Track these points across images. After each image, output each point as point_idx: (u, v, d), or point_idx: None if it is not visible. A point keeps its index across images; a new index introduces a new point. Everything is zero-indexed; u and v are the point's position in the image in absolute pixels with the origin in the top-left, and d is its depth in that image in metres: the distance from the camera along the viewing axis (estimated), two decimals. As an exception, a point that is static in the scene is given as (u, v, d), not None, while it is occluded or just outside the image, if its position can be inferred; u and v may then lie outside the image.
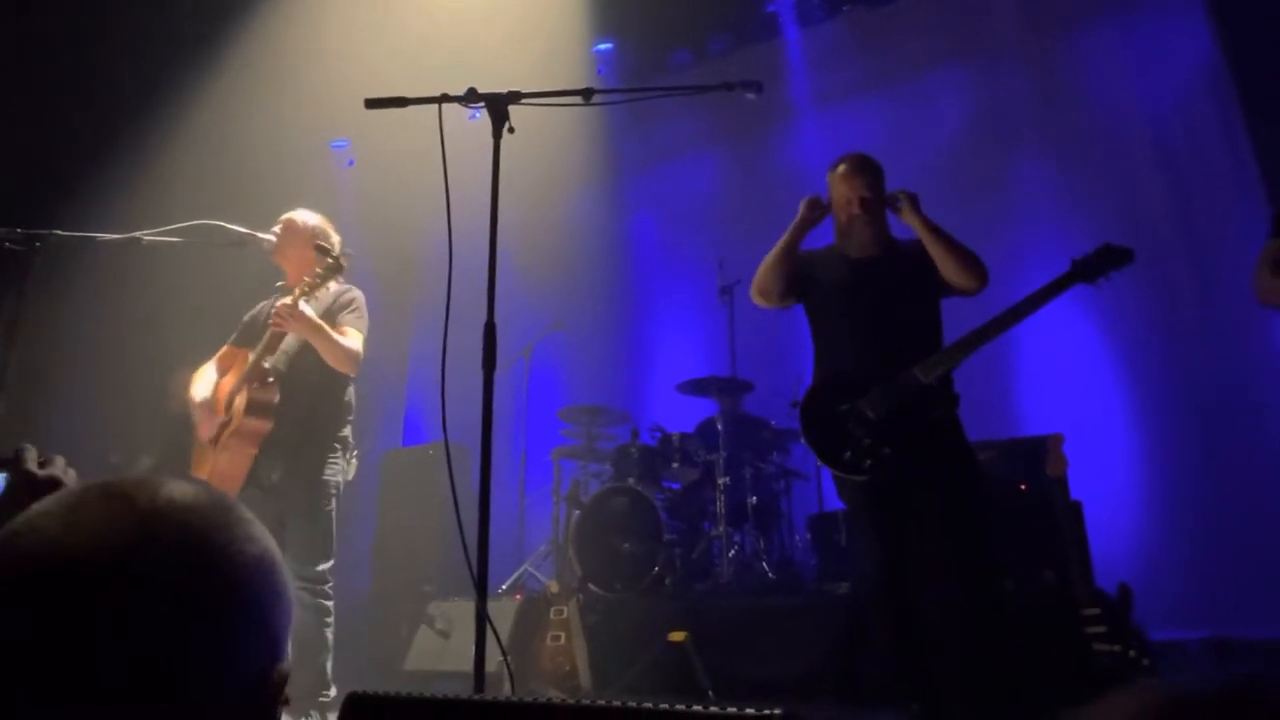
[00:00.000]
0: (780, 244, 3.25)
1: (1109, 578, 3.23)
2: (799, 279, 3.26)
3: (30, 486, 0.96)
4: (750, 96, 2.66)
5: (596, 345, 7.10)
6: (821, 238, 3.35)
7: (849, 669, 3.79)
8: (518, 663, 4.24)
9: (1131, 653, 2.98)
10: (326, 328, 3.29)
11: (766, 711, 0.87)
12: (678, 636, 3.98)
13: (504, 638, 4.17)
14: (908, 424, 2.93)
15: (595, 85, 2.59)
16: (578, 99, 2.47)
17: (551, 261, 7.13)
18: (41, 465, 1.00)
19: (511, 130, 2.40)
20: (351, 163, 7.66)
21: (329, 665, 3.28)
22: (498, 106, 2.38)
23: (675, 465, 5.27)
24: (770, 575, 4.78)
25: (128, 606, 0.62)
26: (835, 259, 3.26)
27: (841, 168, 3.24)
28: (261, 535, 0.72)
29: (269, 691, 0.69)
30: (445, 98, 2.40)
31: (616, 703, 0.99)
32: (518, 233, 6.19)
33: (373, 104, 2.46)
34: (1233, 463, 4.59)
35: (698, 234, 6.94)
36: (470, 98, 2.38)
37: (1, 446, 1.01)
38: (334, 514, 3.38)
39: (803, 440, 3.19)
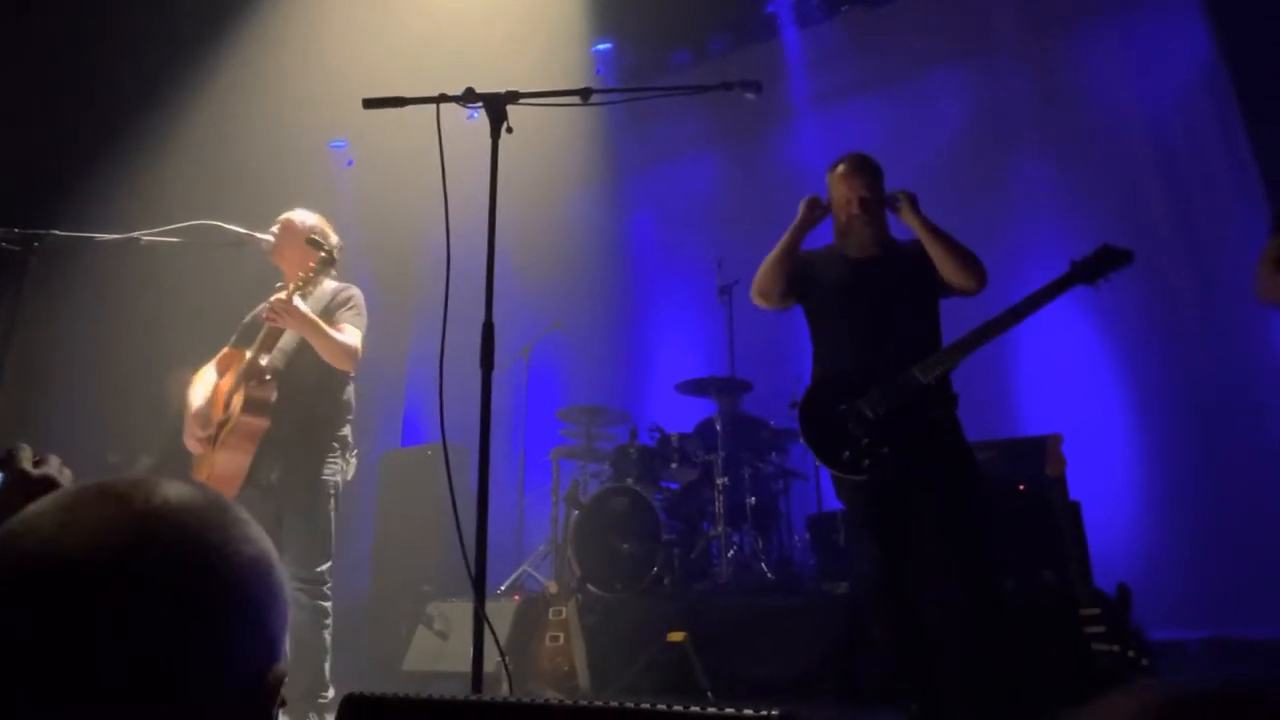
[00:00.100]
0: (780, 245, 3.25)
1: (1108, 578, 3.23)
2: (799, 279, 3.26)
3: (24, 486, 0.96)
4: (749, 96, 2.66)
5: (595, 345, 7.10)
6: (821, 238, 3.35)
7: (848, 669, 3.79)
8: (516, 663, 4.24)
9: (1131, 653, 2.98)
10: (321, 323, 3.27)
11: (765, 712, 0.87)
12: (676, 637, 3.98)
13: (503, 638, 4.17)
14: (907, 424, 2.92)
15: (594, 85, 2.58)
16: (576, 99, 2.47)
17: (550, 261, 7.13)
18: (36, 464, 1.00)
19: (510, 130, 2.39)
20: (350, 163, 7.66)
21: (327, 667, 3.27)
22: (496, 106, 2.37)
23: (674, 465, 5.27)
24: (769, 575, 4.79)
25: (125, 607, 0.62)
26: (835, 259, 3.26)
27: (841, 168, 3.24)
28: (258, 536, 0.72)
29: (266, 692, 0.69)
30: (443, 98, 2.39)
31: (615, 703, 0.99)
32: (517, 233, 6.19)
33: (371, 104, 2.46)
34: (1233, 463, 4.59)
35: (697, 234, 6.94)
36: (468, 98, 2.38)
37: (-1, 447, 1.01)
38: (333, 514, 3.35)
39: (801, 440, 3.19)
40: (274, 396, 3.24)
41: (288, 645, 0.73)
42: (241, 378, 3.26)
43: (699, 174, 7.45)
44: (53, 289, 4.61)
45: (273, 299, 3.23)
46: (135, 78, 5.77)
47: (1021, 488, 3.85)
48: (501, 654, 2.32)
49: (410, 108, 2.44)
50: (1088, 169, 5.58)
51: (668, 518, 4.83)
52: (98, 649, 0.60)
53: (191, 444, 3.33)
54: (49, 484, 0.97)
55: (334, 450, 3.41)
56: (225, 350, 3.52)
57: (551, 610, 4.32)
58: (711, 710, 0.90)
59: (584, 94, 2.47)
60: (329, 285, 3.52)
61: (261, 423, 3.21)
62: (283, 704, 0.73)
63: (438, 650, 4.75)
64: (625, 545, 4.84)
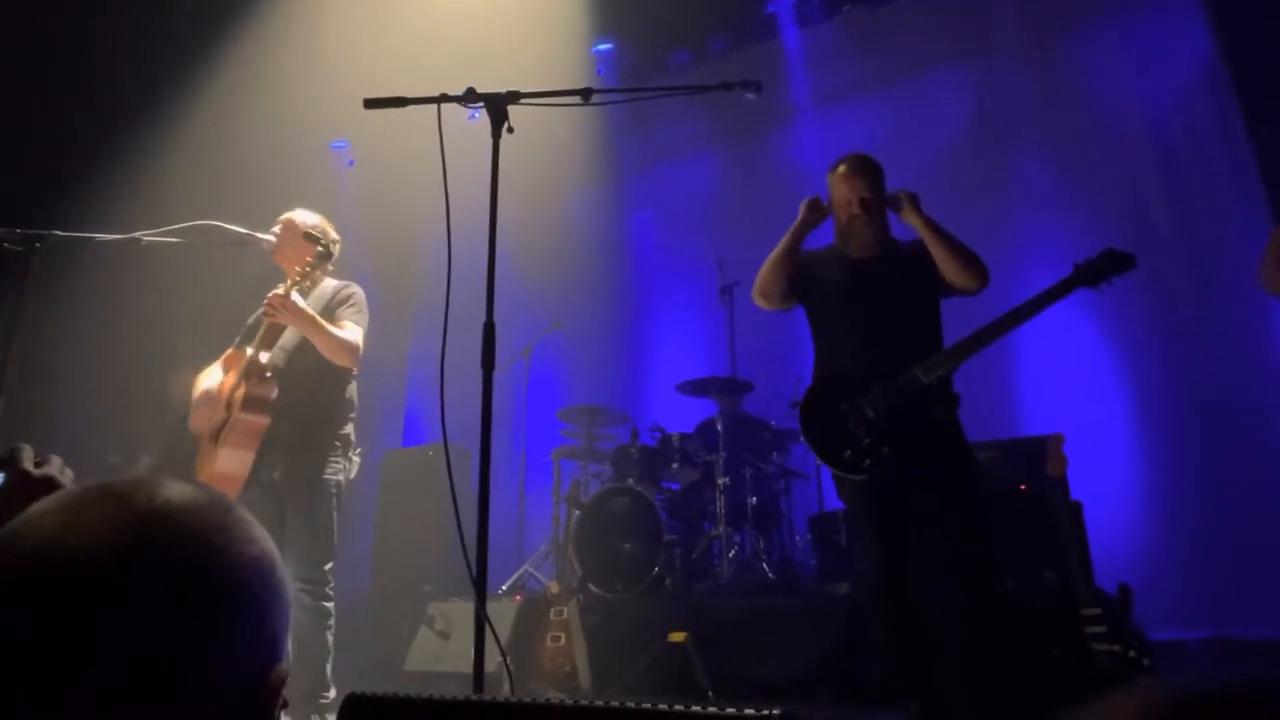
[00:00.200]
0: (781, 245, 3.25)
1: (1109, 578, 3.23)
2: (800, 280, 3.26)
3: (26, 486, 0.96)
4: (750, 96, 2.66)
5: (596, 345, 7.11)
6: (822, 238, 3.35)
7: (849, 669, 3.79)
8: (518, 663, 4.24)
9: (1131, 653, 2.98)
10: (319, 319, 3.25)
11: (765, 712, 0.87)
12: (678, 637, 3.98)
13: (504, 638, 4.18)
14: (908, 423, 2.92)
15: (595, 85, 2.58)
16: (577, 99, 2.47)
17: (551, 262, 7.14)
18: (38, 465, 1.00)
19: (511, 130, 2.39)
20: (351, 163, 7.66)
21: (329, 667, 3.26)
22: (497, 106, 2.37)
23: (675, 465, 5.27)
24: (770, 575, 4.79)
25: (126, 606, 0.62)
26: (836, 259, 3.26)
27: (841, 168, 3.24)
28: (260, 536, 0.72)
29: (267, 693, 0.69)
30: (444, 98, 2.39)
31: (616, 703, 0.99)
32: (517, 233, 6.19)
33: (372, 104, 2.46)
34: (1233, 463, 4.59)
35: (697, 234, 6.95)
36: (469, 98, 2.38)
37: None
38: (335, 514, 3.35)
39: (802, 440, 3.19)
40: (274, 394, 3.23)
41: (290, 646, 0.73)
42: (242, 376, 3.25)
43: (700, 174, 7.45)
44: (54, 289, 4.61)
45: (270, 294, 3.22)
46: (136, 78, 5.76)
47: (1023, 488, 3.85)
48: (503, 654, 2.32)
49: (411, 108, 2.44)
50: (1088, 169, 5.58)
51: (669, 518, 4.83)
52: (98, 649, 0.60)
53: (198, 422, 3.32)
54: (51, 484, 0.97)
55: (336, 449, 3.39)
56: (230, 351, 3.51)
57: (553, 610, 4.32)
58: (712, 710, 0.90)
59: (585, 94, 2.47)
60: (330, 283, 3.52)
61: (262, 420, 3.19)
62: (285, 705, 0.73)
63: (439, 650, 4.75)
64: (626, 545, 4.84)
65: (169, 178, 5.54)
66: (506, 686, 2.72)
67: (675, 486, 5.34)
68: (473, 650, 2.04)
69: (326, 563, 3.29)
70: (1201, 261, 5.04)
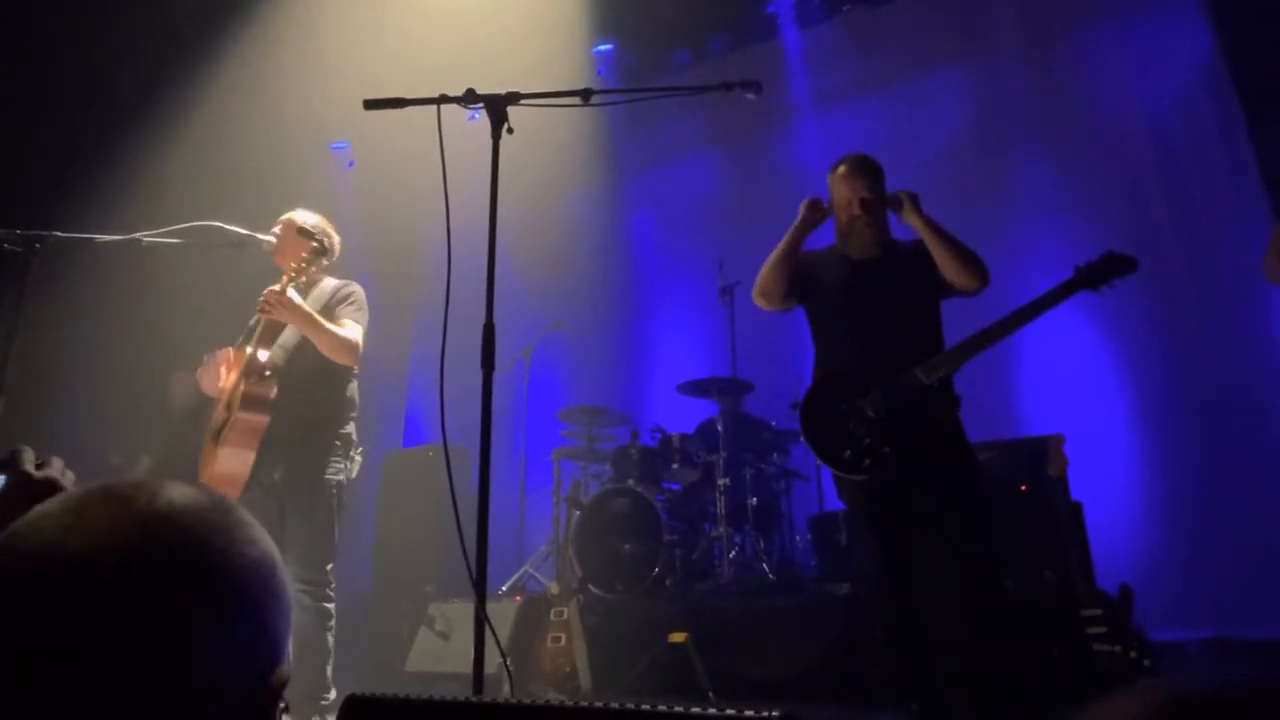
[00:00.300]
0: (781, 246, 3.25)
1: (1110, 578, 3.23)
2: (800, 280, 3.26)
3: (27, 488, 0.96)
4: (749, 97, 2.67)
5: (596, 346, 7.11)
6: (822, 238, 3.35)
7: (849, 669, 3.79)
8: (518, 664, 4.24)
9: (1132, 653, 2.98)
10: (316, 315, 3.24)
11: (766, 713, 0.87)
12: (678, 637, 3.98)
13: (504, 639, 4.18)
14: (908, 424, 2.93)
15: (595, 86, 2.59)
16: (577, 100, 2.47)
17: (551, 262, 7.14)
18: (39, 467, 1.00)
19: (510, 131, 2.40)
20: (351, 164, 7.66)
21: (329, 669, 3.25)
22: (496, 107, 2.38)
23: (675, 466, 5.27)
24: (770, 576, 4.79)
25: (127, 608, 0.62)
26: (836, 260, 3.26)
27: (842, 169, 3.24)
28: (261, 538, 0.72)
29: (268, 694, 0.69)
30: (444, 98, 2.40)
31: (616, 704, 0.99)
32: (518, 233, 6.20)
33: (371, 105, 2.46)
34: (1233, 463, 4.60)
35: (698, 234, 6.95)
36: (469, 98, 2.38)
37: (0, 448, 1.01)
38: (336, 514, 3.34)
39: (803, 440, 3.19)
40: (273, 393, 3.21)
41: (291, 648, 0.73)
42: (241, 374, 3.24)
43: (700, 174, 7.45)
44: (54, 290, 4.61)
45: (266, 290, 3.21)
46: (136, 78, 5.77)
47: (1023, 488, 3.85)
48: (503, 655, 2.32)
49: (411, 109, 2.44)
50: (1088, 169, 5.59)
51: (669, 518, 4.83)
52: (99, 649, 0.60)
53: (208, 384, 3.33)
54: (52, 486, 0.97)
55: (337, 449, 3.38)
56: (233, 352, 3.51)
57: (553, 611, 4.32)
58: (712, 711, 0.90)
59: (584, 95, 2.47)
60: (330, 282, 3.51)
61: (261, 419, 3.17)
62: (286, 709, 0.73)
63: (439, 651, 4.75)
64: (627, 546, 4.84)
65: (169, 178, 5.54)
66: (507, 687, 2.72)
67: (675, 487, 5.34)
68: (473, 651, 2.04)
69: (327, 563, 3.28)
70: (1201, 261, 5.04)
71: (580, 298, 7.07)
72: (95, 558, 0.63)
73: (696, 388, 5.42)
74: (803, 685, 3.87)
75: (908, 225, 3.19)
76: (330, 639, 3.26)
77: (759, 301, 3.33)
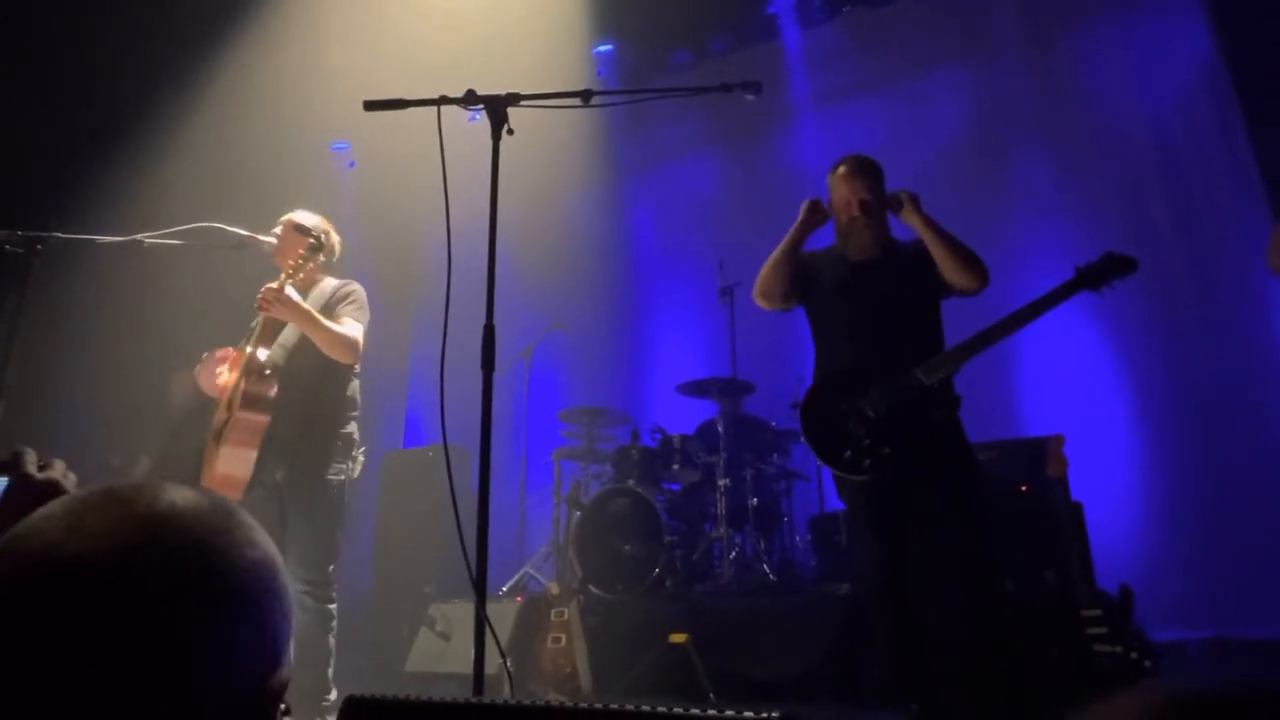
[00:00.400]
0: (781, 246, 3.26)
1: (1110, 578, 3.23)
2: (800, 280, 3.27)
3: (29, 490, 0.97)
4: (749, 97, 2.67)
5: (597, 346, 7.11)
6: (823, 239, 3.35)
7: (849, 669, 3.79)
8: (518, 665, 4.24)
9: (1132, 653, 2.98)
10: (314, 312, 3.23)
11: (765, 714, 0.87)
12: (678, 638, 3.98)
13: (505, 640, 4.18)
14: (908, 424, 2.93)
15: (595, 87, 2.59)
16: (577, 101, 2.47)
17: (551, 263, 7.14)
18: (41, 469, 1.00)
19: (510, 132, 2.40)
20: (352, 164, 7.67)
21: (330, 670, 3.25)
22: (496, 108, 2.38)
23: (676, 467, 5.27)
24: (771, 576, 4.79)
25: (127, 608, 0.62)
26: (836, 260, 3.26)
27: (842, 169, 3.25)
28: (262, 540, 0.73)
29: (268, 696, 0.70)
30: (444, 100, 2.40)
31: (616, 705, 0.99)
32: (518, 234, 6.20)
33: (372, 106, 2.46)
34: (1233, 463, 4.60)
35: (698, 235, 6.95)
36: (469, 99, 2.38)
37: (1, 449, 1.02)
38: (337, 515, 3.33)
39: (803, 440, 3.19)
40: (273, 391, 3.19)
41: (292, 650, 0.74)
42: (241, 374, 3.23)
43: (700, 175, 7.45)
44: (55, 291, 4.61)
45: (264, 288, 3.20)
46: (136, 79, 5.77)
47: (1023, 489, 3.85)
48: (503, 656, 2.32)
49: (411, 110, 2.44)
50: (1088, 169, 5.59)
51: (669, 519, 4.83)
52: (99, 650, 0.61)
53: (206, 383, 3.33)
54: (53, 488, 0.98)
55: (338, 449, 3.37)
56: (235, 354, 3.50)
57: (553, 612, 4.32)
58: (712, 712, 0.90)
59: (585, 96, 2.47)
60: (330, 282, 3.50)
61: (261, 419, 3.16)
62: (286, 712, 0.73)
63: (440, 651, 4.75)
64: (627, 546, 4.84)
65: (170, 180, 5.55)
66: (507, 688, 2.73)
67: (676, 487, 5.34)
68: (473, 652, 2.04)
69: (329, 564, 3.28)
70: (1201, 261, 5.04)
71: (580, 298, 7.07)
72: (96, 559, 0.63)
73: (696, 388, 5.42)
74: (803, 685, 3.87)
75: (908, 225, 3.20)
76: (332, 640, 3.26)
77: (759, 301, 3.33)
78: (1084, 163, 5.62)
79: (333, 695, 3.22)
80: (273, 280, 3.29)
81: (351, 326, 3.34)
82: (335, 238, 3.59)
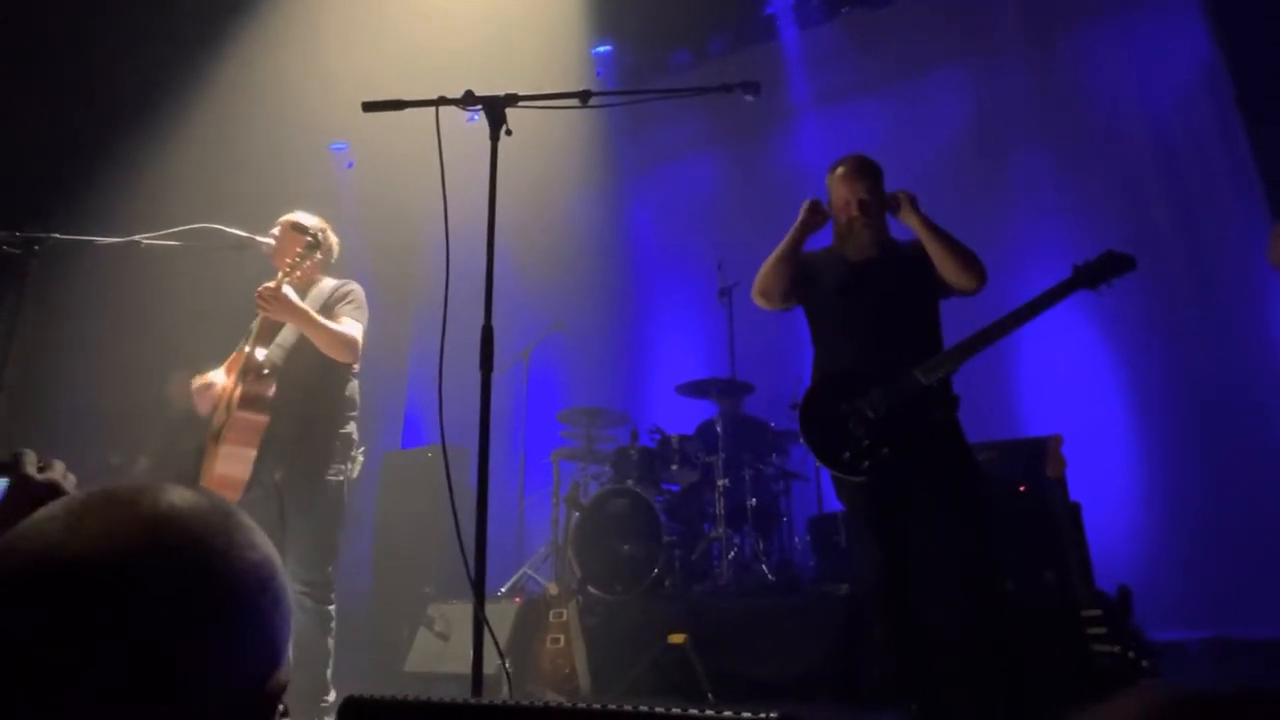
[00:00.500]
0: (781, 247, 3.26)
1: (1109, 578, 3.23)
2: (799, 281, 3.27)
3: (29, 491, 0.97)
4: (749, 98, 2.67)
5: (596, 347, 7.11)
6: (822, 239, 3.36)
7: (848, 670, 3.79)
8: (517, 665, 4.24)
9: (1131, 654, 2.98)
10: (312, 312, 3.22)
11: (765, 715, 0.87)
12: (677, 638, 3.98)
13: (504, 640, 4.18)
14: (907, 425, 2.93)
15: (594, 87, 2.58)
16: (576, 101, 2.47)
17: (551, 263, 7.14)
18: (41, 470, 1.00)
19: (509, 133, 2.40)
20: (351, 165, 7.67)
21: (329, 671, 3.24)
22: (495, 109, 2.37)
23: (675, 467, 5.27)
24: (770, 577, 4.78)
25: (127, 609, 0.62)
26: (835, 261, 3.26)
27: (841, 170, 3.25)
28: (262, 542, 0.73)
29: (267, 698, 0.70)
30: (443, 100, 2.40)
31: (615, 705, 0.99)
32: (517, 234, 6.22)
33: (370, 107, 2.46)
34: (1233, 463, 4.60)
35: (697, 235, 6.95)
36: (467, 100, 2.38)
37: (0, 450, 1.02)
38: (337, 515, 3.32)
39: (802, 441, 3.19)
40: (271, 391, 3.18)
41: (290, 652, 0.74)
42: (239, 374, 3.23)
43: (699, 175, 7.46)
44: (54, 292, 4.61)
45: (261, 287, 3.20)
46: (136, 78, 5.77)
47: (1022, 489, 3.85)
48: (502, 656, 2.32)
49: (410, 110, 2.44)
50: (1088, 169, 5.59)
51: (668, 519, 4.83)
52: (99, 650, 0.61)
53: (203, 404, 3.30)
54: (53, 489, 0.98)
55: (337, 449, 3.36)
56: (234, 355, 3.49)
57: (552, 612, 4.32)
58: (711, 713, 0.90)
59: (583, 96, 2.47)
60: (329, 282, 3.50)
61: (260, 419, 3.15)
62: (285, 713, 0.73)
63: (439, 651, 4.75)
64: (626, 547, 4.84)
65: (169, 180, 5.55)
66: (506, 688, 2.72)
67: (675, 488, 5.34)
68: (472, 652, 2.04)
69: (328, 565, 3.27)
70: (1201, 261, 5.04)
71: (580, 298, 7.07)
72: (96, 560, 0.64)
73: (695, 389, 5.42)
74: (802, 686, 3.87)
75: (906, 226, 3.20)
76: (330, 641, 3.25)
77: (758, 302, 3.33)
78: (1084, 163, 5.62)
79: (331, 696, 3.22)
80: (271, 280, 3.28)
81: (350, 325, 3.33)
82: (333, 237, 3.58)
